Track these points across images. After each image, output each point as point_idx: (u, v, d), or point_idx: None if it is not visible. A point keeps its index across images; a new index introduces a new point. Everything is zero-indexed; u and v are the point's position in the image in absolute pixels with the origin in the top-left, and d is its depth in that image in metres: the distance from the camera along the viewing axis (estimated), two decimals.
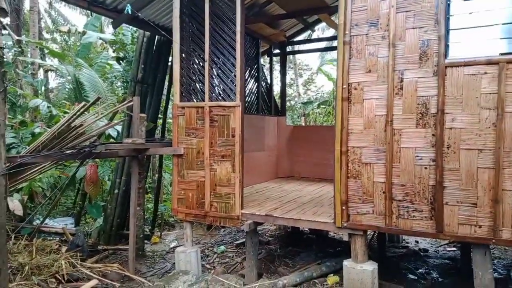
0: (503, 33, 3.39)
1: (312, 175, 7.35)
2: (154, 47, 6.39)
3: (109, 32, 16.44)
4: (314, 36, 11.92)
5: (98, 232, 6.38)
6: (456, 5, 3.51)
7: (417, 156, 3.65)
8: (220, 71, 4.81)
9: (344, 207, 3.97)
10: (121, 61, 9.36)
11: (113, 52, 11.80)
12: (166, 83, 6.93)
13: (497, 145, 3.30)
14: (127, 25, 7.32)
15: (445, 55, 3.51)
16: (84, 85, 9.87)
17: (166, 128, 8.06)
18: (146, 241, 6.32)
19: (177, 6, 4.89)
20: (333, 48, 10.66)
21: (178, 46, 4.93)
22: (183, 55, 4.99)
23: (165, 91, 7.00)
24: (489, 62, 3.32)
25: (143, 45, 6.26)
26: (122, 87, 9.24)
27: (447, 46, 3.51)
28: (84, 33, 11.54)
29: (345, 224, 3.98)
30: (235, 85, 4.67)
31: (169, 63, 6.72)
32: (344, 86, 3.93)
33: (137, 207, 5.31)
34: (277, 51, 7.87)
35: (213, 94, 4.81)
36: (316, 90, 19.46)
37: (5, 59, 3.47)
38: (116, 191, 6.27)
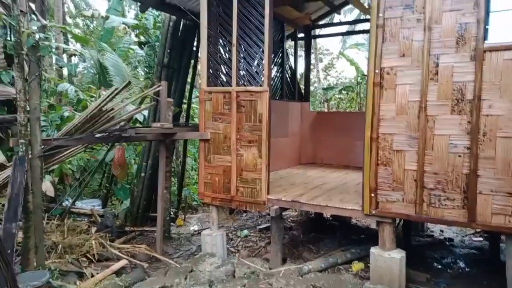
0: None
1: (336, 162, 7.30)
2: (180, 32, 6.39)
3: (130, 16, 16.53)
4: (336, 19, 11.68)
5: (125, 214, 6.55)
6: None
7: (451, 143, 3.57)
8: (247, 55, 4.78)
9: (373, 194, 3.93)
10: (143, 46, 9.42)
11: (136, 36, 11.87)
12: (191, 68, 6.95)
13: None
14: (150, 9, 7.31)
15: (484, 39, 3.38)
16: (108, 70, 9.98)
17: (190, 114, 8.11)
18: (171, 223, 6.45)
19: None
20: (358, 32, 10.46)
21: (206, 30, 4.90)
22: (210, 39, 4.97)
23: (189, 77, 7.02)
24: None
25: (169, 30, 6.27)
26: (145, 72, 9.31)
27: (486, 30, 3.38)
28: (107, 17, 11.62)
29: (374, 212, 3.95)
30: (263, 70, 4.64)
31: (194, 48, 6.74)
32: (377, 71, 3.85)
33: (164, 190, 5.41)
34: (302, 35, 7.74)
35: (240, 79, 4.79)
36: (337, 76, 19.15)
37: (41, 43, 3.52)
38: (142, 174, 6.39)
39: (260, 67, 4.73)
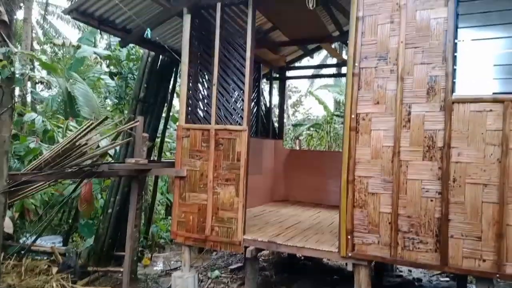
0: (507, 74, 3.54)
1: (308, 199, 7.37)
2: (158, 67, 6.41)
3: (101, 46, 16.42)
4: (304, 61, 12.25)
5: (88, 252, 6.18)
6: (463, 44, 3.67)
7: (424, 188, 3.72)
8: (226, 93, 4.85)
9: (349, 237, 3.98)
10: (114, 77, 9.33)
11: (107, 67, 11.76)
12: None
13: (502, 181, 3.40)
14: None
15: (452, 91, 3.64)
16: (77, 99, 9.74)
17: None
18: (138, 263, 6.14)
19: (187, 30, 4.96)
20: (334, 75, 10.97)
21: (187, 68, 4.96)
22: (191, 76, 5.02)
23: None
24: (495, 100, 3.46)
25: (147, 65, 6.28)
26: (115, 103, 9.16)
27: (453, 83, 3.65)
28: (78, 47, 11.49)
29: (350, 254, 3.98)
30: (242, 109, 4.71)
31: (171, 84, 6.76)
32: (353, 116, 4.01)
33: (134, 228, 5.18)
34: (277, 75, 8.00)
35: (219, 117, 4.83)
36: (304, 113, 19.78)
37: (16, 75, 3.40)
38: (110, 210, 6.13)
39: (238, 105, 4.79)
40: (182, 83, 5.02)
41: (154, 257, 7.04)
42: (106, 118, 4.75)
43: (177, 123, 5.12)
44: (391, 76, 3.89)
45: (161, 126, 7.16)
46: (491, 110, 3.48)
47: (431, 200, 3.69)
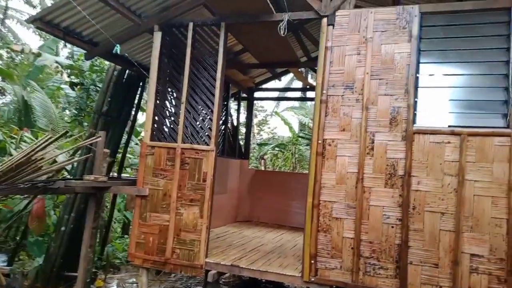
0: (465, 108, 3.77)
1: (271, 221, 7.36)
2: (123, 81, 6.25)
3: (62, 55, 15.85)
4: (271, 83, 12.55)
5: (36, 272, 5.75)
6: (424, 78, 3.88)
7: (385, 214, 3.83)
8: (194, 112, 4.80)
9: (313, 261, 3.99)
10: (75, 87, 9.01)
11: (68, 77, 11.32)
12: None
13: (458, 210, 3.57)
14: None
15: (413, 122, 3.82)
16: (34, 109, 9.25)
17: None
18: (91, 285, 5.78)
19: (157, 47, 4.90)
20: (302, 99, 11.22)
21: (155, 85, 4.87)
22: (158, 94, 4.93)
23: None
24: (452, 133, 3.66)
25: (112, 78, 6.11)
26: (74, 114, 8.80)
27: (415, 114, 3.83)
28: (39, 54, 11.03)
29: (313, 279, 3.97)
30: (210, 129, 4.67)
31: (136, 99, 6.61)
32: (319, 141, 4.09)
33: (88, 249, 4.90)
34: (245, 95, 8.06)
35: (186, 136, 4.75)
36: (270, 132, 19.95)
37: None
38: (63, 228, 5.77)
39: (206, 124, 4.74)
40: (149, 100, 4.92)
41: (108, 278, 6.67)
42: (66, 132, 4.51)
43: (141, 140, 4.98)
44: (356, 105, 4.03)
45: (123, 141, 6.94)
46: (449, 142, 3.67)
47: (392, 227, 3.79)
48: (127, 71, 6.27)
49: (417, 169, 3.76)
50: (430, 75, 3.89)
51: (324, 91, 4.14)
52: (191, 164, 4.64)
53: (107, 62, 7.32)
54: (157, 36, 4.95)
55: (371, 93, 3.98)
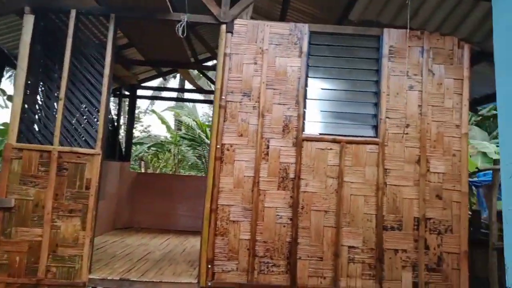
0: (344, 119, 4.31)
1: (154, 225, 7.05)
2: None
3: None
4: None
5: None
6: (311, 91, 4.31)
7: (278, 215, 4.10)
8: (77, 111, 4.27)
9: (209, 265, 3.99)
10: None
11: None
12: None
13: (338, 208, 4.07)
14: None
15: (303, 130, 4.20)
16: None
17: None
18: None
19: (28, 32, 4.21)
20: (187, 100, 11.00)
21: (24, 76, 4.16)
22: (28, 87, 4.22)
23: None
24: (334, 141, 4.16)
25: None
26: None
27: (304, 123, 4.22)
28: None
29: (210, 284, 3.97)
30: (96, 130, 4.22)
31: None
32: (218, 146, 4.13)
33: None
34: (127, 92, 7.52)
35: (64, 137, 4.19)
36: (143, 130, 19.02)
37: None
38: None
39: (90, 124, 4.26)
40: (15, 94, 4.17)
41: None
42: None
43: (5, 141, 4.18)
44: (253, 112, 4.21)
45: None
46: (331, 149, 4.16)
47: (284, 226, 4.08)
48: None
49: (305, 172, 4.14)
50: (316, 88, 4.33)
51: (223, 97, 4.20)
52: (71, 170, 4.11)
53: None
54: (29, 20, 4.24)
55: (267, 101, 4.22)
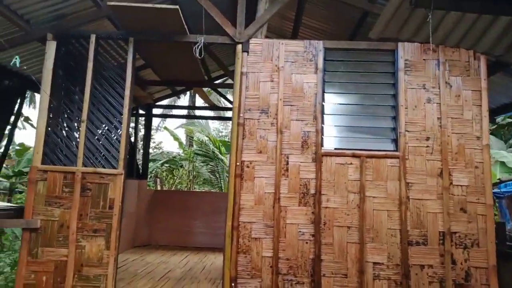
0: (363, 133, 4.31)
1: (172, 243, 7.08)
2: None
3: None
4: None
5: None
6: (329, 106, 4.33)
7: (300, 231, 4.08)
8: (98, 133, 4.36)
9: (233, 284, 3.97)
10: None
11: None
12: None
13: (361, 223, 4.04)
14: None
15: (321, 145, 4.20)
16: None
17: None
18: None
19: (51, 58, 4.36)
20: (201, 117, 11.14)
21: (48, 100, 4.29)
22: (52, 110, 4.34)
23: None
24: (354, 155, 4.16)
25: None
26: None
27: (322, 138, 4.23)
28: None
29: None
30: (117, 150, 4.30)
31: (13, 113, 5.67)
32: (238, 164, 4.16)
33: None
34: (143, 112, 7.66)
35: (87, 158, 4.27)
36: (155, 147, 19.21)
37: None
38: None
39: (115, 148, 4.34)
40: (39, 117, 4.29)
41: None
42: None
43: (31, 164, 4.28)
44: (271, 129, 4.25)
45: None
46: (351, 163, 4.15)
47: (306, 243, 4.06)
48: (4, 82, 5.33)
49: (326, 188, 4.13)
50: (333, 103, 4.36)
51: (241, 115, 4.25)
52: (94, 190, 4.18)
53: None
54: (51, 46, 4.40)
55: (285, 118, 4.25)
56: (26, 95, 6.55)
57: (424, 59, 4.31)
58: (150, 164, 14.05)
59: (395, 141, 4.19)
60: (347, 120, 4.33)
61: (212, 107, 8.93)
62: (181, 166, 12.96)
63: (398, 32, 4.13)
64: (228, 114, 9.05)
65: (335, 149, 4.24)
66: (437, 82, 4.26)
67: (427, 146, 4.15)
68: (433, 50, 4.30)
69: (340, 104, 4.38)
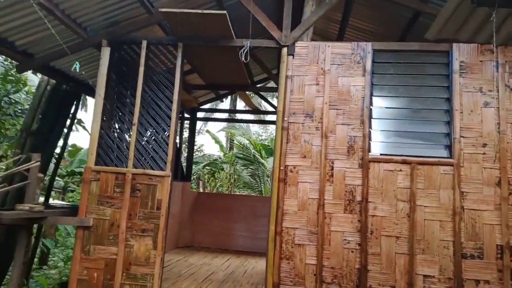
0: (414, 139, 4.12)
1: (214, 245, 7.17)
2: (58, 97, 5.65)
3: None
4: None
5: None
6: (377, 110, 4.19)
7: (345, 239, 3.97)
8: (149, 136, 4.52)
9: None
10: None
11: None
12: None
13: (411, 234, 3.85)
14: None
15: (369, 151, 4.07)
16: None
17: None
18: None
19: (105, 64, 4.57)
20: (241, 121, 11.28)
21: (102, 103, 4.49)
22: (105, 113, 4.55)
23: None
24: (404, 162, 3.98)
25: (44, 93, 5.48)
26: None
27: (369, 143, 4.09)
28: None
29: None
30: (165, 153, 4.42)
31: (69, 117, 6.02)
32: (281, 168, 4.13)
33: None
34: (188, 115, 7.86)
35: (137, 160, 4.43)
36: (197, 149, 19.67)
37: None
38: None
39: (163, 150, 4.47)
40: (94, 120, 4.51)
41: None
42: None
43: (84, 164, 4.51)
44: (316, 133, 4.17)
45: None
46: (401, 170, 3.98)
47: (352, 251, 3.94)
48: (62, 86, 5.68)
49: (373, 195, 3.99)
50: (382, 107, 4.20)
51: (286, 118, 4.22)
52: (143, 191, 4.33)
53: (39, 76, 6.56)
54: (105, 52, 4.61)
55: (330, 122, 4.17)
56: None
57: (481, 61, 4.05)
58: (193, 166, 14.40)
59: (449, 147, 3.96)
60: (396, 124, 4.16)
61: (254, 110, 8.97)
62: (222, 169, 13.14)
63: (456, 33, 3.92)
64: (269, 117, 9.01)
65: (382, 154, 4.08)
66: (495, 85, 3.99)
67: (484, 153, 3.89)
68: (491, 51, 4.03)
69: (389, 107, 4.22)
